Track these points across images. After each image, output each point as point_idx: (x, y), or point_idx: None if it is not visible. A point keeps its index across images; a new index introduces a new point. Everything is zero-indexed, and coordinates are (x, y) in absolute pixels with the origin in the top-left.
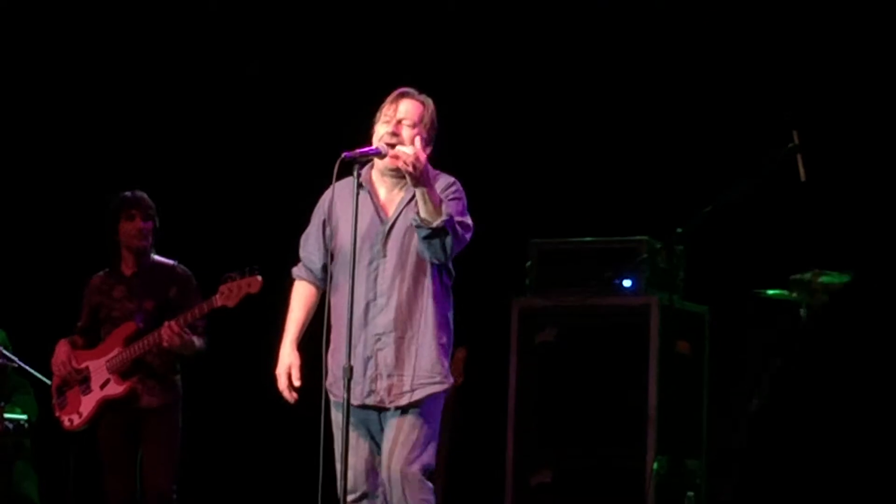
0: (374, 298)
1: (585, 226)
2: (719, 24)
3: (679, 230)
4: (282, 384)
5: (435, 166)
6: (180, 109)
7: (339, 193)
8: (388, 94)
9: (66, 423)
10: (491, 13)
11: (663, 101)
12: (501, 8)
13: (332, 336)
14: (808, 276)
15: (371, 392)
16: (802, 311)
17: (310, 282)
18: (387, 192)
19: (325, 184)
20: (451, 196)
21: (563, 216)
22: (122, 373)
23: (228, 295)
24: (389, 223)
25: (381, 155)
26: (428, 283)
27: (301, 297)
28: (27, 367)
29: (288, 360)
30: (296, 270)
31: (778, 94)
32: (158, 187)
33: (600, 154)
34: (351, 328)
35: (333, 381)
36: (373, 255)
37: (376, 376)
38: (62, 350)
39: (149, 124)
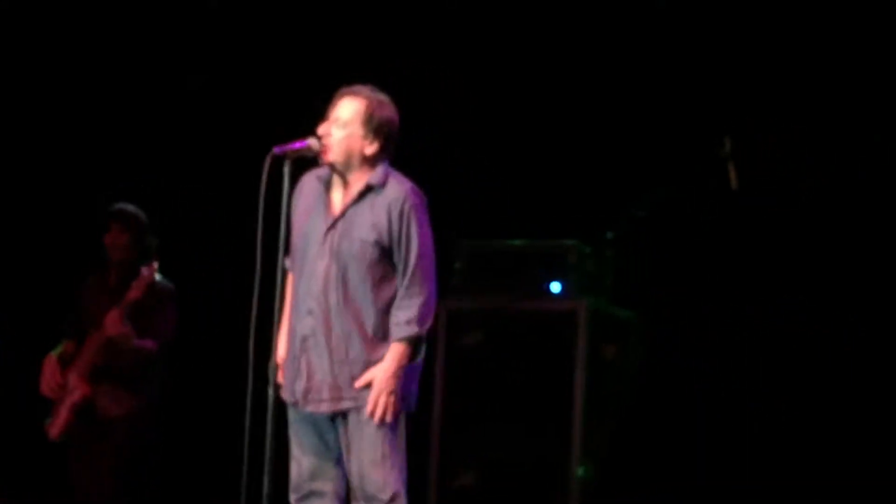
0: (306, 299)
1: (515, 227)
2: (649, 24)
3: (609, 234)
4: (281, 376)
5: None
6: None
7: (305, 185)
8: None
9: (49, 434)
10: (423, 17)
11: (595, 104)
12: (433, 11)
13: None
14: None
15: (291, 392)
16: None
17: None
18: (336, 191)
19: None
20: (411, 244)
21: (492, 217)
22: (87, 377)
23: (136, 288)
24: (328, 224)
25: (310, 150)
26: (367, 296)
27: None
28: None
29: (283, 352)
30: (287, 262)
31: (711, 99)
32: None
33: (531, 155)
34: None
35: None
36: (314, 255)
37: (295, 377)
38: (47, 369)
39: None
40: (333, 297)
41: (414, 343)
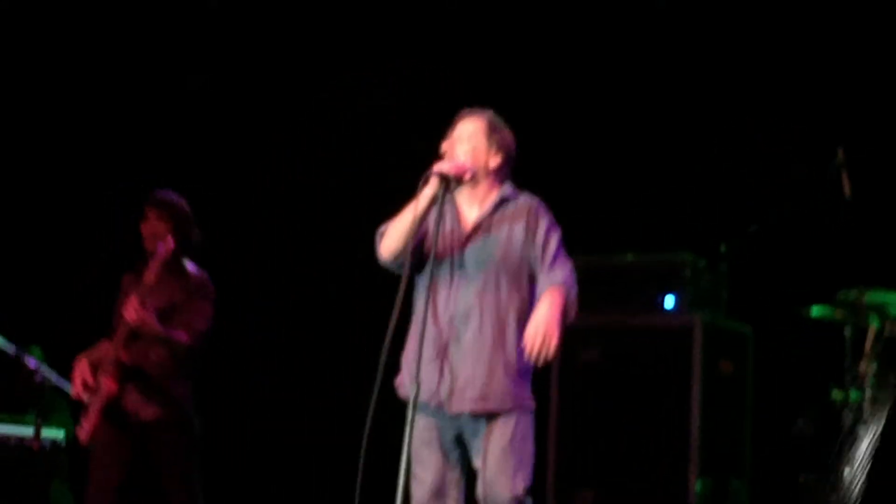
0: (450, 308)
1: (628, 242)
2: (769, 39)
3: (723, 248)
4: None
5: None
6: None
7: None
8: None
9: (80, 439)
10: (528, 31)
11: (709, 118)
12: (537, 26)
13: (411, 337)
14: (853, 294)
15: (435, 394)
16: (847, 331)
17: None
18: (465, 207)
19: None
20: (551, 237)
21: (605, 233)
22: (115, 375)
23: (150, 269)
24: (466, 236)
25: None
26: (511, 300)
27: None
28: (63, 384)
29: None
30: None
31: (823, 111)
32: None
33: (644, 170)
34: (422, 338)
35: (401, 382)
36: (455, 268)
37: (438, 381)
38: (78, 371)
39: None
40: (480, 304)
41: (568, 295)
